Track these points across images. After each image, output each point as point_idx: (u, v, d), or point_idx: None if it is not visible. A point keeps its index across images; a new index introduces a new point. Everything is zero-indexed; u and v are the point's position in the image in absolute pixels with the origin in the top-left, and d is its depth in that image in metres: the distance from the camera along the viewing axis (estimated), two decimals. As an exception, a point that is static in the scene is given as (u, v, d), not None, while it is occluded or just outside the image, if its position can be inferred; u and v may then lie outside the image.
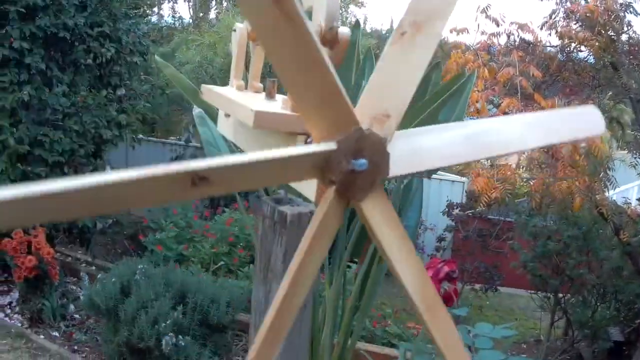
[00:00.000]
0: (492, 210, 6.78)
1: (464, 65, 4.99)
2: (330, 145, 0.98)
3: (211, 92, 1.60)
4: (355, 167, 0.99)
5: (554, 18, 5.11)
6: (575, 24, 4.91)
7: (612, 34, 4.85)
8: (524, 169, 5.08)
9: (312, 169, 0.99)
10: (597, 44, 4.75)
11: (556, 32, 4.97)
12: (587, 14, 4.76)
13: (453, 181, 9.08)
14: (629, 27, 5.01)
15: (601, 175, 4.75)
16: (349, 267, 4.34)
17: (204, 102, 3.97)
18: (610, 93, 5.58)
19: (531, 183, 5.04)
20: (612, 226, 5.29)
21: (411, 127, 3.45)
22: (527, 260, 5.91)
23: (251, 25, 0.96)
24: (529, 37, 5.16)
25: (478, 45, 5.21)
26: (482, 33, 5.26)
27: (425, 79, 3.99)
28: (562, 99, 4.88)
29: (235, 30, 1.68)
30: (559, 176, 4.72)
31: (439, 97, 3.61)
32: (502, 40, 5.23)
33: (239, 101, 1.35)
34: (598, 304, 5.92)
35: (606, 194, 4.88)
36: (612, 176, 4.83)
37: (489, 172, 4.89)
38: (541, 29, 5.12)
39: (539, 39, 5.14)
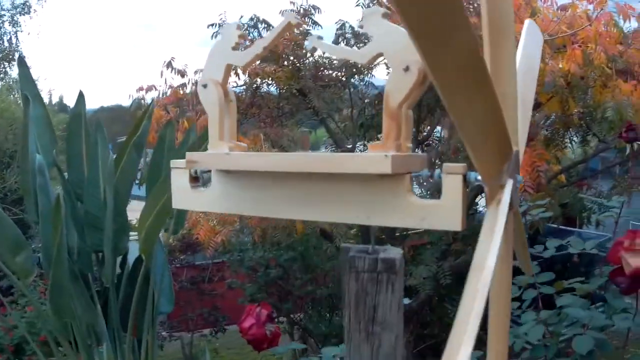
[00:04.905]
0: (196, 256, 6.66)
1: (159, 120, 4.82)
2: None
3: (243, 157, 1.29)
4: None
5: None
6: (258, 61, 5.03)
7: (297, 62, 5.06)
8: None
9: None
10: (283, 74, 4.91)
11: (243, 72, 5.04)
12: (271, 49, 4.90)
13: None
14: (312, 53, 5.28)
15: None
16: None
17: None
18: (294, 119, 5.82)
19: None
20: (326, 237, 5.52)
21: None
22: (254, 292, 5.89)
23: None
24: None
25: (163, 100, 5.07)
26: (169, 87, 5.14)
27: (160, 138, 3.76)
28: (259, 132, 4.98)
29: (205, 87, 1.39)
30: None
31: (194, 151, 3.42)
32: (192, 88, 5.16)
33: (323, 157, 1.17)
34: (331, 313, 6.09)
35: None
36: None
37: (206, 218, 4.77)
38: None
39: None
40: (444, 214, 1.12)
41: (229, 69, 1.39)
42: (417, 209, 1.14)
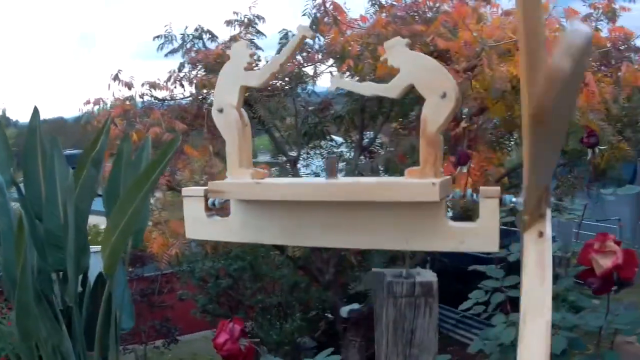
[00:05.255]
0: (145, 268, 6.51)
1: (114, 136, 4.69)
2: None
3: (276, 187, 1.24)
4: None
5: (184, 71, 5.09)
6: (204, 71, 4.95)
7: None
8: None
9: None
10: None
11: (190, 83, 4.96)
12: (217, 59, 4.84)
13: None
14: (257, 63, 5.25)
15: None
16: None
17: None
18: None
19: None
20: (276, 247, 5.47)
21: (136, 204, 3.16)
22: (206, 303, 5.79)
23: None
24: (164, 94, 5.06)
25: (112, 112, 4.93)
26: (117, 99, 5.00)
27: (118, 152, 3.65)
28: (207, 143, 4.91)
29: (221, 111, 1.34)
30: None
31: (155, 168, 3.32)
32: (139, 101, 5.05)
33: (370, 186, 1.15)
34: (282, 321, 6.03)
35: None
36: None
37: (159, 231, 4.67)
38: (166, 83, 5.04)
39: (174, 94, 5.08)
40: (482, 236, 1.13)
41: (243, 91, 1.34)
42: (456, 232, 1.15)
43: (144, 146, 3.81)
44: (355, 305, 5.68)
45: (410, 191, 1.09)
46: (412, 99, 5.85)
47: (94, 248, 3.79)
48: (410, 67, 1.16)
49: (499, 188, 1.14)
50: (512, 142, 5.07)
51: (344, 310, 5.72)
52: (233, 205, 1.34)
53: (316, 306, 6.21)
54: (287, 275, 6.00)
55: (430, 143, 1.14)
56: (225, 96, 1.33)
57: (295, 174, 5.79)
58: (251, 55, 1.34)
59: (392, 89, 1.18)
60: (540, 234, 1.00)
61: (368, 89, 1.25)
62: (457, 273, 7.57)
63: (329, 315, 6.27)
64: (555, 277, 3.12)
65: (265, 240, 1.34)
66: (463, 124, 4.68)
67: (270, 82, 5.44)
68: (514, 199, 1.12)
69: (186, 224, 1.42)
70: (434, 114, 1.13)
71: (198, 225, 1.39)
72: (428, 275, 1.27)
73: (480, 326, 6.83)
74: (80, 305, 3.41)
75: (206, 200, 1.37)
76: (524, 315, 0.87)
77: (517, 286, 2.72)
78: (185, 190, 1.41)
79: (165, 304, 6.83)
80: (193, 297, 6.19)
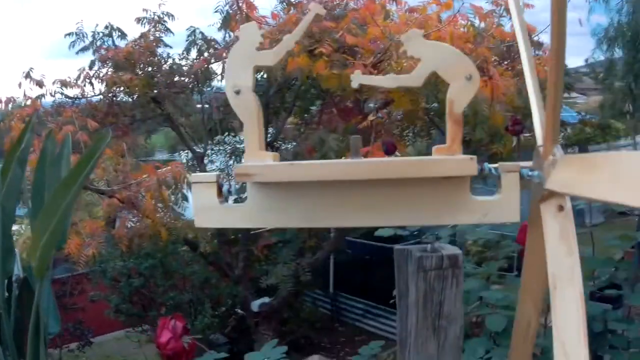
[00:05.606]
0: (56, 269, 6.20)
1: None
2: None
3: (311, 167, 1.22)
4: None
5: (94, 68, 4.92)
6: (113, 69, 4.81)
7: (152, 70, 4.91)
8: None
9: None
10: (139, 82, 4.73)
11: (100, 81, 4.80)
12: (127, 57, 4.70)
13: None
14: (166, 60, 5.14)
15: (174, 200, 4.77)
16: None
17: None
18: (145, 126, 5.64)
19: (113, 230, 4.81)
20: (188, 244, 5.38)
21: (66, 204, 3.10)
22: (119, 303, 5.61)
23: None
24: (75, 92, 4.87)
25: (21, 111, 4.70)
26: (28, 98, 4.75)
27: (43, 151, 3.49)
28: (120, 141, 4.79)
29: (238, 93, 1.30)
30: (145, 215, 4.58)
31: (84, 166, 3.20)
32: (50, 100, 4.84)
33: (410, 163, 1.19)
34: (193, 318, 5.91)
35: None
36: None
37: (75, 231, 4.49)
38: (77, 81, 4.86)
39: (85, 92, 4.90)
40: (504, 209, 1.20)
41: (255, 71, 1.31)
42: (480, 206, 1.20)
43: (64, 144, 3.65)
44: (266, 299, 5.71)
45: (452, 166, 1.14)
46: (313, 95, 5.92)
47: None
48: (431, 55, 1.20)
49: (518, 163, 1.21)
50: (412, 134, 5.23)
51: (255, 305, 5.73)
52: (251, 190, 1.31)
53: (227, 302, 6.17)
54: (198, 271, 5.94)
55: (456, 122, 1.19)
56: (239, 78, 1.27)
57: (203, 169, 5.74)
58: (262, 35, 1.31)
59: (416, 79, 1.21)
60: (561, 208, 1.05)
61: (392, 81, 1.27)
62: (360, 264, 7.73)
63: (239, 311, 6.25)
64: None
65: (288, 223, 1.32)
66: (370, 117, 4.79)
67: (179, 79, 5.40)
68: (530, 172, 1.18)
69: (195, 213, 1.36)
70: (460, 95, 1.17)
71: (210, 213, 1.32)
72: (452, 249, 1.32)
73: (387, 315, 7.03)
74: (9, 311, 3.23)
75: (218, 186, 1.34)
76: (553, 287, 0.92)
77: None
78: (194, 177, 1.35)
79: (77, 306, 6.58)
80: (105, 297, 6.01)
